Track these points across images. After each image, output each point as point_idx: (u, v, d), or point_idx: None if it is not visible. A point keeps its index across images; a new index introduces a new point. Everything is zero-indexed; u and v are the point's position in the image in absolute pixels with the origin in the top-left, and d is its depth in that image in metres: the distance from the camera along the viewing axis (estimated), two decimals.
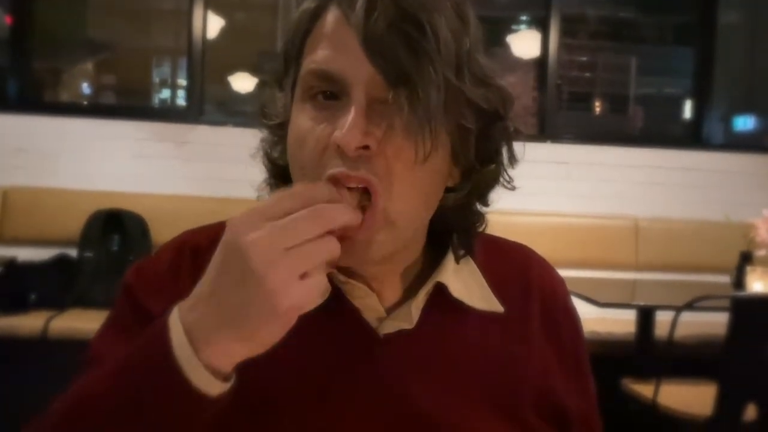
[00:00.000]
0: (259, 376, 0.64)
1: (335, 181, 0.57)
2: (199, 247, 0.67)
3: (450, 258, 0.67)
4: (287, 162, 0.64)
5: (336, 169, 0.57)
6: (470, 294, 0.67)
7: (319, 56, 0.59)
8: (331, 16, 0.60)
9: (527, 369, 0.68)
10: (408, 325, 0.64)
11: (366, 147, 0.57)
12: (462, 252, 0.68)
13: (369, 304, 0.65)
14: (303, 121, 0.60)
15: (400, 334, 0.64)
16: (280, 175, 0.68)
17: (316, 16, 0.61)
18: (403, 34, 0.56)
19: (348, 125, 0.55)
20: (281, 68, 0.65)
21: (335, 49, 0.58)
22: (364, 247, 0.58)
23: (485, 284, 0.68)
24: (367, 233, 0.57)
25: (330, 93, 0.59)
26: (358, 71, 0.57)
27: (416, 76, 0.56)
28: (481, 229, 0.69)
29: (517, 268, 0.73)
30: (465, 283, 0.67)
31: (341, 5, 0.59)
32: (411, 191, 0.59)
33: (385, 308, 0.65)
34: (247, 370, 0.65)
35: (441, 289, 0.66)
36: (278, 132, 0.67)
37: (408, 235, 0.62)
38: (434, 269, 0.66)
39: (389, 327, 0.64)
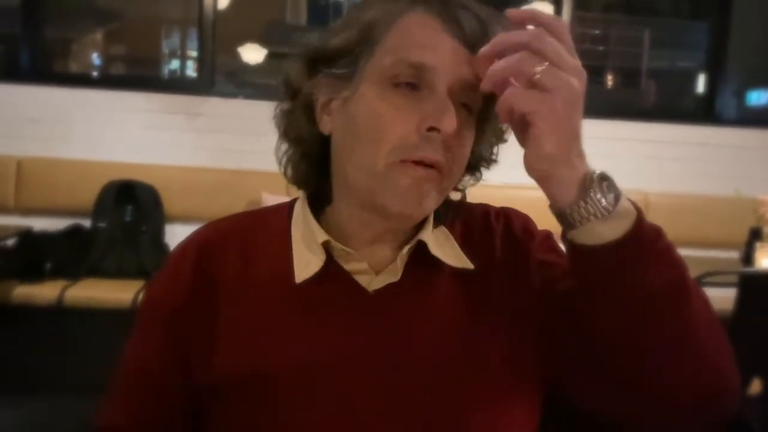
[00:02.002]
0: (267, 345, 0.72)
1: (418, 162, 0.69)
2: (206, 241, 0.78)
3: (430, 222, 0.78)
4: (314, 135, 0.75)
5: (423, 152, 0.68)
6: (444, 253, 0.78)
7: (416, 51, 0.69)
8: (420, 19, 0.70)
9: (497, 312, 0.77)
10: (394, 278, 0.75)
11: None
12: (441, 215, 0.79)
13: (360, 268, 0.75)
14: (384, 105, 0.70)
15: (388, 288, 0.75)
16: (302, 143, 0.78)
17: (397, 15, 0.71)
18: (483, 44, 0.66)
19: (450, 115, 0.67)
20: (342, 51, 0.72)
21: (429, 48, 0.69)
22: (422, 198, 0.70)
23: (456, 246, 0.80)
24: (428, 185, 0.70)
25: (410, 83, 0.69)
26: (451, 72, 0.68)
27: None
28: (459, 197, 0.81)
29: (479, 222, 0.83)
30: (440, 244, 0.79)
31: (430, 11, 0.69)
32: (458, 173, 0.74)
33: (374, 269, 0.75)
34: (256, 341, 0.69)
35: (422, 248, 0.76)
36: (308, 108, 0.75)
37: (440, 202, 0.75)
38: (415, 234, 0.77)
39: (378, 282, 0.75)
